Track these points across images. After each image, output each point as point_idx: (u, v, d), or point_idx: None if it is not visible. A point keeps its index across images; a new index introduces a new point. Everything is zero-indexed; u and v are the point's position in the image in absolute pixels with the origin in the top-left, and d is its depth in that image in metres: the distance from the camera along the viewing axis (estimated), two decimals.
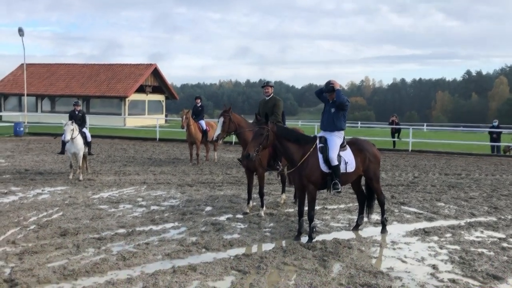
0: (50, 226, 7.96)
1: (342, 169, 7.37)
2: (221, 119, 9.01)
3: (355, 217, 9.13)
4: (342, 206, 10.19)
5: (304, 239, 7.53)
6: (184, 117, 14.95)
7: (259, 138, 7.08)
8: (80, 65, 43.52)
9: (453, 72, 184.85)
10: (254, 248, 7.15)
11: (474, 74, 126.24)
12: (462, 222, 8.92)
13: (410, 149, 21.69)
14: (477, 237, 8.00)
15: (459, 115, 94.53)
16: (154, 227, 8.12)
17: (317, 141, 7.38)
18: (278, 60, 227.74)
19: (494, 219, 9.24)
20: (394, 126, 22.91)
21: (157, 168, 14.89)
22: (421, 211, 9.76)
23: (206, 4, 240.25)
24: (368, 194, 8.22)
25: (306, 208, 7.70)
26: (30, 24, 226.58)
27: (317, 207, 9.98)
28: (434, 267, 6.46)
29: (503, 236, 8.07)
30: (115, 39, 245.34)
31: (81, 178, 12.44)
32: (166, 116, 43.13)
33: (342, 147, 7.51)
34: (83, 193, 10.81)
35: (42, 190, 11.08)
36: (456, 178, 14.20)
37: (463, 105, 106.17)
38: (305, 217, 7.70)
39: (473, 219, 9.17)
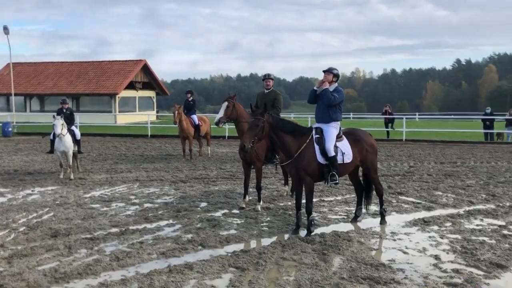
0: (41, 227, 7.72)
1: (339, 160, 7.20)
2: (225, 103, 8.83)
3: (353, 209, 8.98)
4: (339, 198, 10.03)
5: (303, 232, 7.37)
6: (176, 112, 14.70)
7: (254, 129, 6.87)
8: (68, 63, 42.95)
9: (442, 61, 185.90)
10: (252, 244, 6.96)
11: (463, 62, 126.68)
12: (461, 211, 8.80)
13: (404, 138, 21.61)
14: (477, 225, 7.88)
15: (449, 104, 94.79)
16: (148, 225, 7.91)
17: (313, 132, 7.20)
18: (268, 54, 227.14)
19: (493, 206, 9.12)
20: (387, 116, 22.82)
21: (149, 165, 14.65)
22: (419, 201, 9.63)
23: None
24: (366, 185, 8.07)
25: (303, 201, 7.54)
26: (18, 23, 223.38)
27: (314, 200, 9.80)
28: (436, 257, 6.32)
29: (503, 223, 7.96)
30: (105, 37, 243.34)
31: (72, 177, 12.18)
32: (157, 112, 42.74)
33: (339, 137, 7.34)
34: (74, 193, 10.56)
35: (32, 191, 10.81)
36: (452, 167, 14.11)
37: (454, 94, 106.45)
38: (303, 210, 7.52)
39: (471, 207, 9.05)
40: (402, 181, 11.81)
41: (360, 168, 8.00)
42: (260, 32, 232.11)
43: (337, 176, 7.11)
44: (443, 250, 6.62)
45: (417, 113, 47.56)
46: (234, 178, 12.32)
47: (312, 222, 7.31)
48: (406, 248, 6.75)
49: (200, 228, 7.71)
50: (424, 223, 7.98)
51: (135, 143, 21.40)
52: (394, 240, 7.14)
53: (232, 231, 7.53)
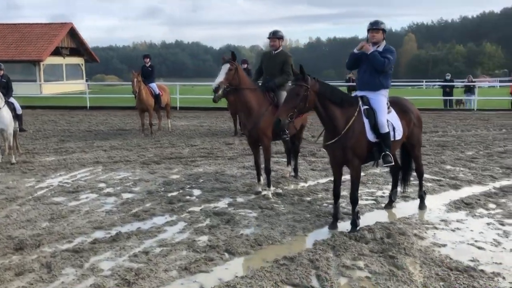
0: None
1: (391, 137, 5.85)
2: (227, 65, 7.02)
3: (372, 190, 7.83)
4: (347, 176, 8.72)
5: (341, 225, 6.04)
6: (135, 80, 12.55)
7: (294, 99, 5.31)
8: None
9: (363, 30, 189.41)
10: (292, 246, 5.47)
11: None
12: (491, 188, 7.86)
13: None
14: None
15: None
16: (142, 225, 6.17)
17: (360, 103, 5.76)
18: (192, 20, 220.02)
19: None
20: (351, 84, 21.87)
21: (104, 142, 12.51)
22: (437, 177, 8.60)
23: None
24: (404, 164, 6.83)
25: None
26: None
27: (321, 180, 8.51)
28: None
29: None
30: None
31: (13, 160, 9.87)
32: (86, 80, 39.00)
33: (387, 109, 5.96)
34: (24, 182, 8.42)
35: None
36: (439, 136, 13.35)
37: None
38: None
39: (498, 184, 8.16)
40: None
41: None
42: None
43: (391, 156, 5.76)
44: None
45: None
46: (214, 156, 10.64)
47: (358, 214, 5.95)
48: (475, 241, 5.61)
49: (213, 226, 6.09)
50: (467, 206, 6.93)
51: (75, 116, 18.77)
52: (453, 230, 5.99)
53: (256, 229, 6.00)
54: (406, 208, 6.91)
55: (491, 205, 6.98)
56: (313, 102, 5.40)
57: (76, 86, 35.67)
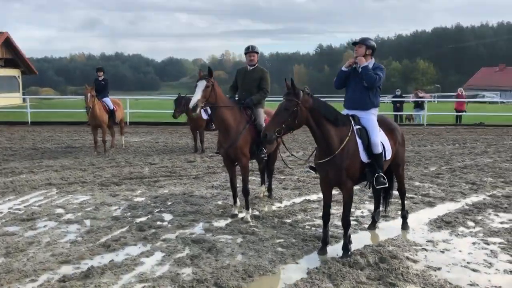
0: None
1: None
2: (203, 83, 6.54)
3: (351, 210, 7.55)
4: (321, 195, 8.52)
5: (329, 249, 5.76)
6: (89, 94, 11.73)
7: (283, 115, 5.05)
8: None
9: (305, 46, 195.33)
10: (284, 277, 5.11)
11: (325, 47, 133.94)
12: (464, 205, 7.91)
13: None
14: (501, 222, 7.02)
15: (314, 87, 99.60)
16: (115, 257, 5.57)
17: (353, 122, 5.54)
18: (132, 32, 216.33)
19: (488, 198, 8.39)
20: None
21: (53, 161, 11.57)
22: (409, 195, 8.49)
23: None
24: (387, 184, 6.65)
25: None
26: None
27: (296, 200, 8.22)
28: None
29: None
30: None
31: None
32: (23, 94, 36.78)
33: None
34: None
35: None
36: None
37: (317, 77, 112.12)
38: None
39: (469, 200, 8.25)
40: None
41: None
42: (122, 10, 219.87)
43: (384, 177, 5.56)
44: (510, 262, 5.52)
45: None
46: (177, 175, 10.08)
47: (350, 238, 5.69)
48: (468, 263, 5.51)
49: (194, 255, 5.60)
50: (448, 225, 6.88)
51: (15, 133, 17.42)
52: (442, 251, 5.87)
53: (242, 258, 5.57)
54: (389, 228, 6.75)
55: (470, 223, 6.97)
56: (305, 118, 5.16)
57: (11, 99, 33.60)
